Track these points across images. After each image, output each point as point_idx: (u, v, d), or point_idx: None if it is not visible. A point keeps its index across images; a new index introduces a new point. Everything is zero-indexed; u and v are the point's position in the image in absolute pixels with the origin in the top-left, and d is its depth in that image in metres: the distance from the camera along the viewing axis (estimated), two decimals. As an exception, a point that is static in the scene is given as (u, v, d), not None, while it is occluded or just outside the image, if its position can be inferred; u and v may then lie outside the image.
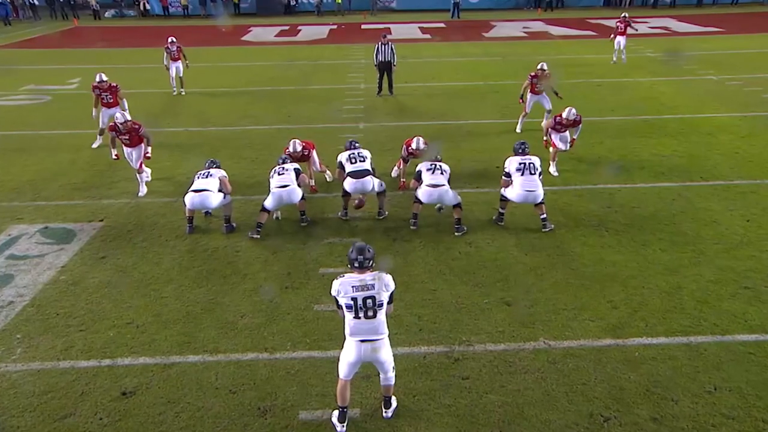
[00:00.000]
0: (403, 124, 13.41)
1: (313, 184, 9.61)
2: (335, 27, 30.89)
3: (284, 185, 8.15)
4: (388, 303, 4.72)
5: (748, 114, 13.77)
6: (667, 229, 8.28)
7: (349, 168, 8.37)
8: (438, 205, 8.70)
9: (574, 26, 29.23)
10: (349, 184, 8.36)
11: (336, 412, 4.90)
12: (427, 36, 27.19)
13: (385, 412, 5.05)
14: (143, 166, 9.81)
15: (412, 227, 8.41)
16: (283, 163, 8.54)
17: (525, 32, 27.92)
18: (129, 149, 9.80)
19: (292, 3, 35.82)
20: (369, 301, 4.58)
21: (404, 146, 9.44)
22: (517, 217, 8.65)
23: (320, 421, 5.03)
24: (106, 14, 36.16)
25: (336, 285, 4.65)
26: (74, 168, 11.10)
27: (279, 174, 8.24)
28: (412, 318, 6.40)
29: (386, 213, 8.83)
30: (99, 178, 10.59)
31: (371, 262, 4.70)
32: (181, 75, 16.57)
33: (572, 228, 8.32)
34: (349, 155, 8.49)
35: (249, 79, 18.63)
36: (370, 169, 8.42)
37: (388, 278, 4.71)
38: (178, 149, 12.11)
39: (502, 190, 8.30)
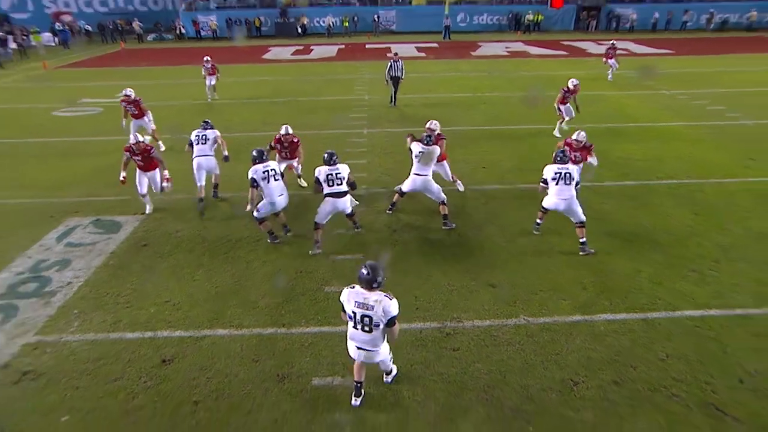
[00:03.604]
0: (403, 130, 13.29)
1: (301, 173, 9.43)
2: (343, 47, 30.66)
3: (282, 193, 7.43)
4: (391, 325, 4.33)
5: (694, 123, 13.67)
6: (629, 221, 8.24)
7: (327, 189, 7.18)
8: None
9: (549, 47, 28.98)
10: (327, 204, 7.23)
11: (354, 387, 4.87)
12: (423, 54, 26.97)
13: (386, 377, 5.04)
14: (167, 182, 8.76)
15: (387, 212, 8.42)
16: (267, 162, 7.38)
17: (507, 51, 27.70)
18: (141, 173, 8.56)
19: (305, 26, 35.56)
20: (366, 319, 4.30)
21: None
22: (503, 209, 8.60)
23: (331, 386, 5.03)
24: (148, 38, 35.91)
25: (344, 293, 4.38)
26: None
27: (275, 179, 7.31)
28: (410, 298, 6.38)
29: (360, 225, 7.98)
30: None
31: (378, 285, 4.27)
32: (214, 84, 17.10)
33: (548, 220, 8.26)
34: (327, 175, 7.13)
35: (269, 91, 18.51)
36: (346, 189, 7.27)
37: (391, 306, 4.29)
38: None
39: (544, 200, 7.51)
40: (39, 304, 6.44)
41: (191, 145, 9.03)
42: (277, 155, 9.16)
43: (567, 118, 12.37)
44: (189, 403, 4.89)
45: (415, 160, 7.87)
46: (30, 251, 7.66)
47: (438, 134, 8.73)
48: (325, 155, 7.21)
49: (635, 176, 10.10)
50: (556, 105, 12.66)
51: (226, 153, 9.40)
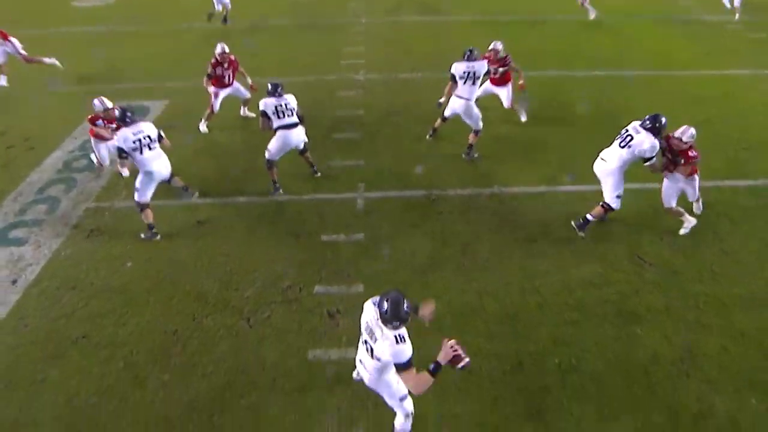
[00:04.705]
0: (398, 19, 12.54)
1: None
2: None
3: (158, 159, 5.41)
4: (404, 369, 2.89)
5: (662, 16, 12.91)
6: (595, 108, 8.17)
7: (277, 122, 5.83)
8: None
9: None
10: (279, 138, 5.89)
11: None
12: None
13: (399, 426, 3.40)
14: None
15: (428, 138, 7.21)
16: (137, 124, 5.28)
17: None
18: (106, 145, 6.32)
19: None
20: (368, 345, 3.09)
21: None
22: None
23: (336, 241, 5.37)
24: None
25: (367, 304, 3.11)
26: (145, 57, 10.57)
27: (150, 149, 5.29)
28: (404, 171, 6.56)
29: (316, 167, 6.47)
30: (159, 67, 10.14)
31: (395, 327, 2.88)
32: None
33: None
34: (276, 107, 5.78)
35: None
36: (297, 120, 5.91)
37: (396, 351, 2.87)
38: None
39: None
40: (91, 176, 6.61)
41: None
42: (212, 87, 7.40)
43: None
44: (222, 255, 5.27)
45: (459, 82, 6.37)
46: (75, 133, 7.65)
47: (505, 57, 7.20)
48: (269, 86, 5.85)
49: (604, 65, 9.80)
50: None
51: None
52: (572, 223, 5.49)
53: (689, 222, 5.47)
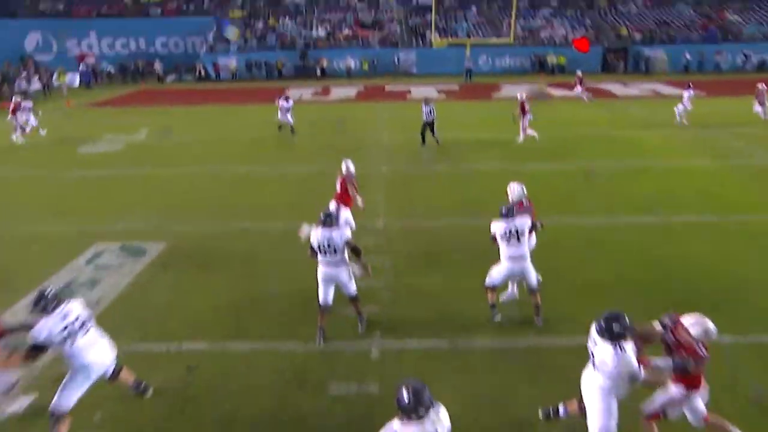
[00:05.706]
0: (419, 169, 14.16)
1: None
2: (362, 89, 31.82)
3: (95, 344, 5.04)
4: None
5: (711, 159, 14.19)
6: (641, 260, 8.76)
7: (319, 257, 6.44)
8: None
9: (572, 88, 29.65)
10: (318, 274, 6.54)
11: None
12: (443, 95, 27.99)
13: None
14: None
15: (495, 319, 6.91)
16: (63, 307, 4.84)
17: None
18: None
19: (324, 68, 36.91)
20: None
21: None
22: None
23: (347, 393, 5.67)
24: (168, 79, 37.80)
25: None
26: (146, 199, 12.03)
27: (84, 334, 4.92)
28: (424, 319, 6.97)
29: (365, 318, 6.90)
30: (164, 210, 11.45)
31: (421, 413, 3.43)
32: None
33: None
34: (319, 244, 6.34)
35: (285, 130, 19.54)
36: (341, 258, 6.43)
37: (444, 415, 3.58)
38: (236, 183, 13.01)
39: None
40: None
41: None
42: (340, 205, 8.76)
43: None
44: (212, 404, 5.56)
45: (502, 243, 6.59)
46: (58, 272, 8.53)
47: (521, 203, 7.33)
48: (321, 215, 6.44)
49: (650, 211, 10.68)
50: None
51: None
52: None
53: None
